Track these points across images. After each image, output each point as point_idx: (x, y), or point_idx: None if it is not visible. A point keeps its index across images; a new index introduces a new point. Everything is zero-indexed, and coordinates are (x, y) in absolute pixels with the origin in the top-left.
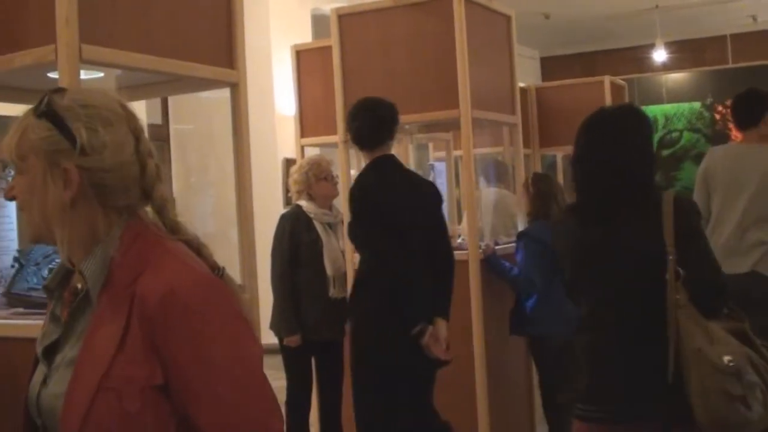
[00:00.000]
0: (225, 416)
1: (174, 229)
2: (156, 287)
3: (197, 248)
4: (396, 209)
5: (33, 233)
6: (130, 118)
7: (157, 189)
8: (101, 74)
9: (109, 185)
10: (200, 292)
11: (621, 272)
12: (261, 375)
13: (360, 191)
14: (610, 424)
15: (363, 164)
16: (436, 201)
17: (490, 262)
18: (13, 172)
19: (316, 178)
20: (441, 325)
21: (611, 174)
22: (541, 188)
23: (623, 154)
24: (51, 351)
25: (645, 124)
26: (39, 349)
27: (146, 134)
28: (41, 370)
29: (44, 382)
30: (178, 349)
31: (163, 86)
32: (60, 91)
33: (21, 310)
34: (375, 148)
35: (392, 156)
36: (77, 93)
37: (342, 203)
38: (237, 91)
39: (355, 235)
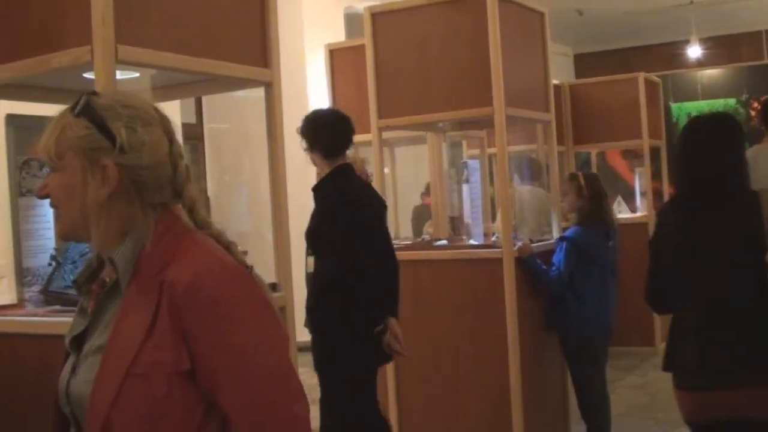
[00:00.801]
0: (250, 401)
1: (203, 226)
2: (184, 275)
3: (226, 245)
4: (365, 213)
5: (65, 230)
6: (164, 120)
7: (188, 189)
8: (137, 74)
9: (145, 182)
10: (227, 280)
11: (729, 257)
12: (287, 361)
13: (339, 196)
14: (719, 390)
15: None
16: (385, 206)
17: (527, 263)
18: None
19: None
20: (395, 323)
21: (718, 172)
22: (595, 189)
23: (726, 155)
24: (79, 341)
25: (741, 129)
26: (67, 341)
27: (178, 136)
28: (70, 360)
29: (73, 371)
30: (205, 335)
31: (197, 86)
32: (95, 93)
33: (58, 307)
34: (338, 157)
35: (350, 164)
36: (116, 94)
37: None
38: (271, 90)
39: (322, 240)
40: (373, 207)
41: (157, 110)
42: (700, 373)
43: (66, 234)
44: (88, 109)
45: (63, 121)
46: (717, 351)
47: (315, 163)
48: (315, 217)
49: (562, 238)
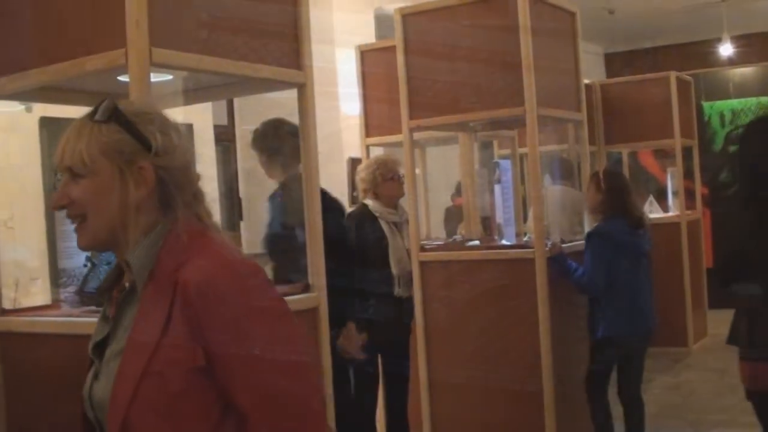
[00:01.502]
0: (266, 397)
1: (215, 228)
2: (196, 274)
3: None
4: (336, 218)
5: (95, 238)
6: (178, 130)
7: (200, 189)
8: (170, 77)
9: (175, 184)
10: (239, 278)
11: None
12: (302, 356)
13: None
14: None
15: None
16: (343, 212)
17: (557, 262)
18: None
19: (383, 178)
20: (352, 327)
21: None
22: (613, 185)
23: None
24: (101, 347)
25: None
26: (90, 347)
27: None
28: (94, 366)
29: (96, 377)
30: (219, 332)
31: (230, 88)
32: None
33: (93, 308)
34: (297, 167)
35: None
36: (138, 102)
37: (407, 203)
38: (304, 91)
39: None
40: (335, 212)
41: (173, 120)
42: (758, 344)
43: (95, 242)
44: (118, 114)
45: (87, 128)
46: None
47: (271, 174)
48: (272, 224)
49: (587, 236)
